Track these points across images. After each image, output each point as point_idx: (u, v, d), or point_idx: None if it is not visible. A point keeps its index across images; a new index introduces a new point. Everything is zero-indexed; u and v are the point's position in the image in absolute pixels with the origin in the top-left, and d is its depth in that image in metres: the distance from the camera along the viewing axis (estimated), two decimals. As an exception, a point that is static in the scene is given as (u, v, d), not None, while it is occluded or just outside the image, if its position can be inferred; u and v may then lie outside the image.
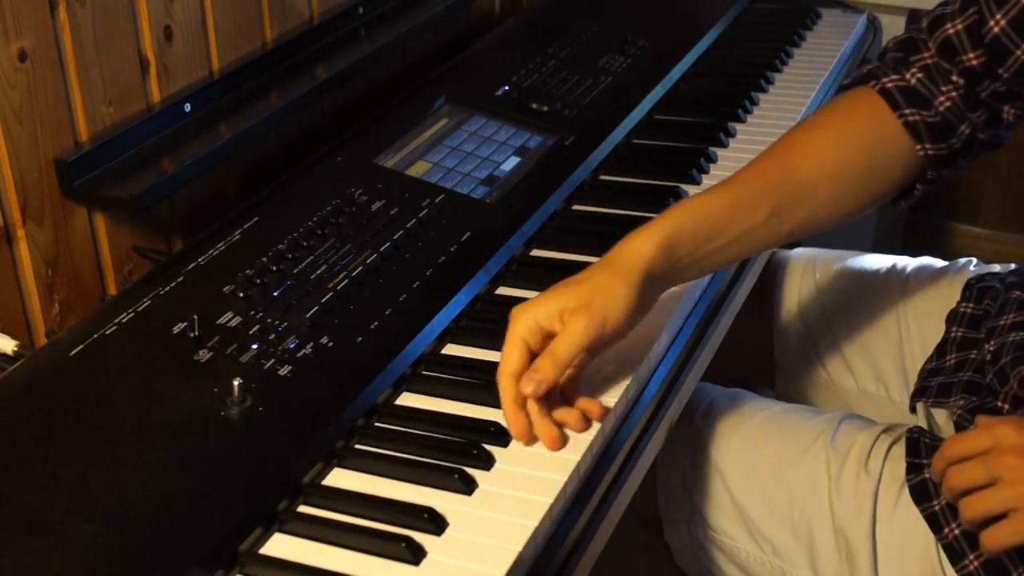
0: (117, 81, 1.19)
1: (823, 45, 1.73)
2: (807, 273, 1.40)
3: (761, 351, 1.42)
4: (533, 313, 0.95)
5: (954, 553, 1.01)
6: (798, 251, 1.45)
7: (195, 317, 0.98)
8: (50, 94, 1.12)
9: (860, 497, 1.08)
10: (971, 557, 1.00)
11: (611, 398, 0.97)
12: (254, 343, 0.97)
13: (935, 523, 1.03)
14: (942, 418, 1.19)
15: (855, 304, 1.35)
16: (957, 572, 1.01)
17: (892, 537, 1.06)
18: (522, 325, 0.94)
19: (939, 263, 1.35)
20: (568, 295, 0.96)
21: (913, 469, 1.06)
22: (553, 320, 0.94)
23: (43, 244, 1.13)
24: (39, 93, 1.10)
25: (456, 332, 1.06)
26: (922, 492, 1.05)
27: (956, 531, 1.01)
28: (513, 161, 1.31)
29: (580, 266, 1.15)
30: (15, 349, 1.02)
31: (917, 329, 1.29)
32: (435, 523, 0.83)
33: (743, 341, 1.37)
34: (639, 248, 0.99)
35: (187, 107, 1.25)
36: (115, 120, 1.19)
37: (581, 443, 0.92)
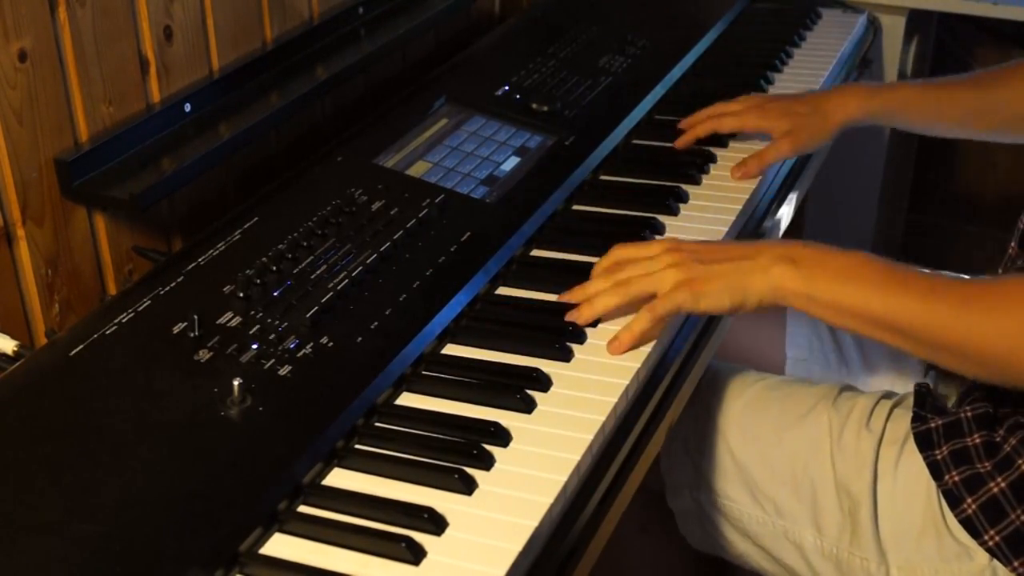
0: (117, 81, 1.19)
1: (823, 45, 1.73)
2: None
3: (768, 361, 1.43)
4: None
5: (953, 499, 1.07)
6: None
7: (195, 317, 0.98)
8: (50, 94, 1.12)
9: (862, 454, 1.13)
10: (969, 501, 1.05)
11: (611, 397, 0.97)
12: (254, 343, 0.97)
13: (936, 471, 1.08)
14: (951, 388, 1.22)
15: None
16: (956, 516, 1.06)
17: (894, 492, 1.11)
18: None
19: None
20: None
21: (919, 419, 1.12)
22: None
23: (43, 244, 1.13)
24: (39, 93, 1.10)
25: (456, 332, 1.07)
26: (926, 440, 1.10)
27: (956, 478, 1.06)
28: (513, 161, 1.31)
29: (580, 266, 1.16)
30: (15, 349, 1.02)
31: None
32: (435, 523, 0.83)
33: (749, 348, 1.38)
34: (847, 109, 1.36)
35: (187, 107, 1.25)
36: (115, 120, 1.19)
37: (581, 443, 0.92)
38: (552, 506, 0.86)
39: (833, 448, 1.14)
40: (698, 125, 1.40)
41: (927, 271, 1.02)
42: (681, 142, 1.40)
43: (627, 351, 1.03)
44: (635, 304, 1.05)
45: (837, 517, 1.13)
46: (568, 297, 1.09)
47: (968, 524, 1.05)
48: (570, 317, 1.06)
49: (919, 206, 2.30)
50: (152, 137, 1.21)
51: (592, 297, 1.07)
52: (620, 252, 1.09)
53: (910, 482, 1.10)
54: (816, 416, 1.16)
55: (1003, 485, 1.04)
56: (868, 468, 1.12)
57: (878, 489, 1.12)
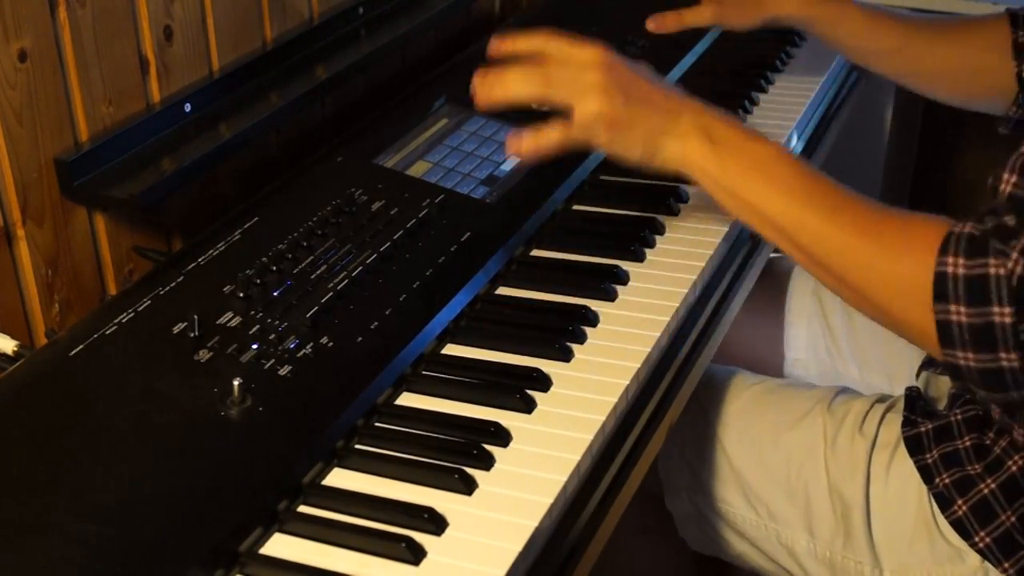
0: (117, 81, 1.19)
1: (823, 45, 1.72)
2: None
3: (767, 361, 1.43)
4: None
5: (944, 501, 1.06)
6: None
7: (195, 317, 0.98)
8: (50, 94, 1.12)
9: (855, 458, 1.13)
10: (959, 503, 1.05)
11: (611, 397, 0.97)
12: (254, 343, 0.97)
13: (927, 474, 1.08)
14: (941, 391, 1.21)
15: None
16: (947, 518, 1.06)
17: (886, 496, 1.11)
18: None
19: None
20: None
21: (909, 423, 1.11)
22: None
23: (43, 244, 1.13)
24: (39, 93, 1.10)
25: (456, 332, 1.07)
26: (916, 444, 1.10)
27: (947, 480, 1.06)
28: (513, 161, 1.30)
29: (580, 266, 1.16)
30: (15, 349, 1.02)
31: None
32: (435, 523, 0.83)
33: (748, 348, 1.38)
34: (785, 4, 1.38)
35: (187, 107, 1.25)
36: (115, 120, 1.19)
37: (581, 443, 0.92)
38: (552, 506, 0.86)
39: (827, 452, 1.15)
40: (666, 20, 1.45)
41: (840, 186, 0.98)
42: (651, 25, 1.45)
43: (524, 157, 1.04)
44: (542, 103, 1.03)
45: (830, 521, 1.13)
46: (482, 73, 1.04)
47: (959, 526, 1.05)
48: (475, 87, 1.03)
49: (919, 206, 2.30)
50: (152, 137, 1.21)
51: (507, 79, 1.03)
52: (549, 43, 1.05)
53: (902, 485, 1.11)
54: (811, 420, 1.17)
55: (993, 486, 1.04)
56: (861, 472, 1.12)
57: (871, 493, 1.12)
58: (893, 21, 1.38)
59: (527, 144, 1.02)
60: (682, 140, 1.01)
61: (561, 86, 1.02)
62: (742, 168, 0.99)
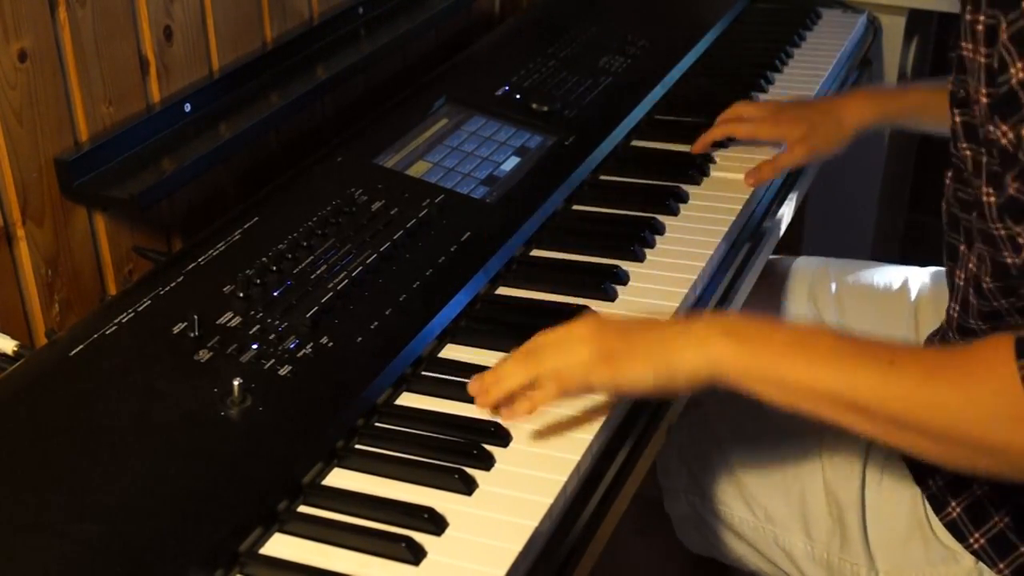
0: (117, 81, 1.19)
1: (823, 45, 1.73)
2: (818, 281, 1.41)
3: None
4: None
5: (937, 503, 1.07)
6: (803, 259, 1.46)
7: (195, 317, 0.98)
8: (50, 94, 1.12)
9: (850, 461, 1.13)
10: (953, 504, 1.06)
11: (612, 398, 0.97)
12: (254, 343, 0.97)
13: (920, 476, 1.08)
14: None
15: (870, 317, 1.36)
16: (941, 520, 1.06)
17: (880, 498, 1.12)
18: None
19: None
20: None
21: None
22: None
23: (43, 244, 1.13)
24: (39, 93, 1.10)
25: (456, 332, 1.06)
26: None
27: (940, 482, 1.07)
28: (513, 161, 1.31)
29: (580, 266, 1.16)
30: (15, 349, 1.02)
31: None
32: (435, 523, 0.83)
33: None
34: (862, 114, 1.35)
35: (187, 107, 1.25)
36: (115, 120, 1.19)
37: (581, 443, 0.92)
38: (552, 506, 0.86)
39: (823, 455, 1.15)
40: (715, 128, 1.40)
41: (886, 342, 0.91)
42: (697, 147, 1.39)
43: (520, 420, 0.94)
44: (543, 381, 0.93)
45: (827, 523, 1.14)
46: (477, 380, 0.96)
47: (953, 527, 1.06)
48: (478, 403, 0.96)
49: (919, 206, 2.30)
50: (152, 137, 1.21)
51: (501, 378, 0.94)
52: (539, 336, 0.96)
53: (896, 487, 1.11)
54: (808, 423, 1.16)
55: (986, 488, 1.04)
56: (856, 474, 1.13)
57: (866, 495, 1.12)
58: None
59: (519, 412, 0.94)
60: (702, 347, 0.91)
61: (550, 355, 0.93)
62: (778, 352, 0.90)
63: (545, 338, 0.94)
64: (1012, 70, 0.83)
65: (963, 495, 1.05)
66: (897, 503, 1.11)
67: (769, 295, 1.43)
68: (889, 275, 1.39)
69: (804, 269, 1.44)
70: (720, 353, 0.90)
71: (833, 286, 1.40)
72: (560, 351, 0.93)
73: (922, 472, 1.08)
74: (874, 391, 0.86)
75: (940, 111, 1.34)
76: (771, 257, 1.41)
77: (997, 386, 0.81)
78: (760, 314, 0.95)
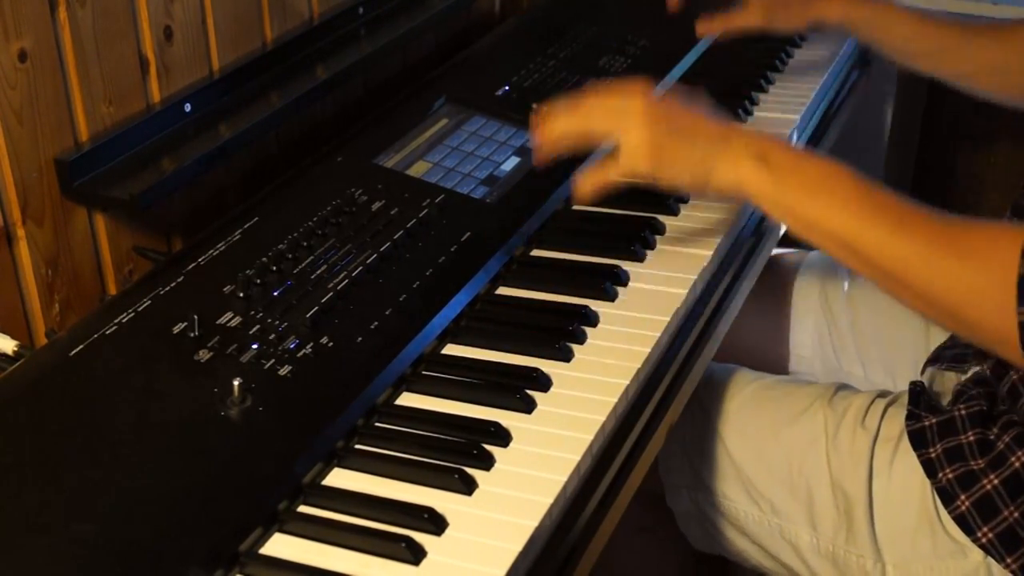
0: (117, 81, 1.19)
1: (823, 45, 1.72)
2: (829, 278, 1.41)
3: (773, 357, 1.43)
4: None
5: (947, 496, 1.07)
6: (815, 254, 1.46)
7: (195, 317, 0.98)
8: (50, 94, 1.12)
9: (857, 452, 1.13)
10: (962, 498, 1.06)
11: (611, 397, 0.97)
12: (254, 343, 0.97)
13: (930, 469, 1.08)
14: (945, 387, 1.21)
15: (883, 314, 1.36)
16: (950, 513, 1.06)
17: (888, 490, 1.12)
18: None
19: None
20: None
21: (913, 417, 1.11)
22: None
23: (43, 244, 1.13)
24: (39, 93, 1.10)
25: (456, 332, 1.06)
26: (920, 439, 1.10)
27: (950, 475, 1.06)
28: (513, 161, 1.31)
29: (580, 266, 1.16)
30: (15, 349, 1.02)
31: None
32: (435, 523, 0.83)
33: (753, 346, 1.38)
34: (830, 7, 1.37)
35: (187, 107, 1.25)
36: (115, 120, 1.19)
37: (581, 443, 0.92)
38: (552, 506, 0.86)
39: (828, 447, 1.15)
40: (714, 22, 1.44)
41: (904, 198, 0.97)
42: (701, 30, 1.45)
43: (585, 201, 1.07)
44: (590, 139, 1.05)
45: (833, 515, 1.14)
46: (536, 114, 1.08)
47: (962, 521, 1.06)
48: (532, 129, 1.07)
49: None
50: (152, 137, 1.21)
51: (552, 117, 1.05)
52: (593, 96, 1.06)
53: (905, 480, 1.11)
54: (812, 415, 1.17)
55: (996, 482, 1.04)
56: (863, 466, 1.12)
57: (873, 487, 1.12)
58: (936, 23, 1.38)
59: (586, 191, 1.05)
60: (735, 164, 1.00)
61: (603, 118, 1.03)
62: (802, 187, 0.99)
63: (601, 97, 1.04)
64: None
65: (973, 489, 1.05)
66: (906, 495, 1.10)
67: (777, 292, 1.43)
68: None
69: (815, 264, 1.44)
70: (748, 177, 0.99)
71: (846, 284, 1.40)
72: (615, 121, 1.02)
73: (932, 465, 1.08)
74: (878, 246, 0.94)
75: (905, 32, 1.37)
76: (781, 251, 1.41)
77: (996, 274, 0.88)
78: (786, 144, 1.02)
